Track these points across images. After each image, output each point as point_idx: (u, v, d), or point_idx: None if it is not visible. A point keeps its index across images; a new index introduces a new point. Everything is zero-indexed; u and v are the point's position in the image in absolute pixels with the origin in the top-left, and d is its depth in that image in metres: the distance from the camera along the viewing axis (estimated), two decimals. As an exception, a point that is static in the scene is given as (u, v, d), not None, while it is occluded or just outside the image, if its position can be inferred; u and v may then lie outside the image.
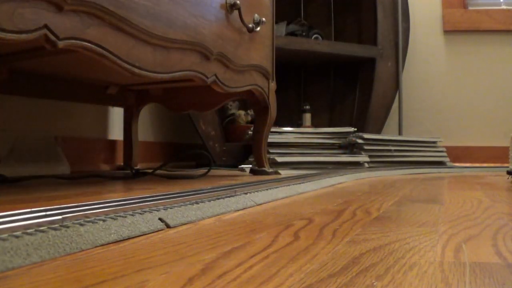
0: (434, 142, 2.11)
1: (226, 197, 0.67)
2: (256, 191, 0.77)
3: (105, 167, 1.58)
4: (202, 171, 1.37)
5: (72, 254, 0.37)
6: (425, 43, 2.58)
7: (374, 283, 0.29)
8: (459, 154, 2.44)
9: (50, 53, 0.91)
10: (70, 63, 1.08)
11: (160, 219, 0.50)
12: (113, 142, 1.65)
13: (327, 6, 2.48)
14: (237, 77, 1.20)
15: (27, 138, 1.23)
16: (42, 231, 0.37)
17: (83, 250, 0.39)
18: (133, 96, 1.56)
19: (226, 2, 1.11)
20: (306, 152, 1.78)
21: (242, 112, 2.04)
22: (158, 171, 1.30)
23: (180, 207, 0.55)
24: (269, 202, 0.75)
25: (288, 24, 2.17)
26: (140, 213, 0.49)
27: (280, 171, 1.46)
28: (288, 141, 1.78)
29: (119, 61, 0.81)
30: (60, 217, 0.42)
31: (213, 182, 1.02)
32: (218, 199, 0.65)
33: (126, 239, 0.44)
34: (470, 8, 2.55)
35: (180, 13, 0.95)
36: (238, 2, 1.12)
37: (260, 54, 1.29)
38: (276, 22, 1.62)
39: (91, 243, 0.40)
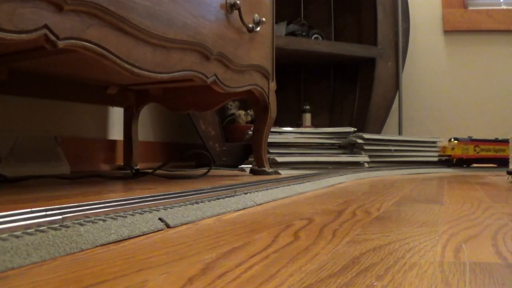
0: (434, 142, 2.11)
1: (226, 197, 0.67)
2: (256, 191, 0.77)
3: (105, 167, 1.58)
4: (202, 171, 1.37)
5: (72, 254, 0.37)
6: (425, 43, 2.58)
7: (374, 283, 0.29)
8: (459, 154, 2.44)
9: (50, 53, 0.91)
10: (70, 63, 1.09)
11: (160, 219, 0.50)
12: (113, 142, 1.65)
13: (327, 6, 2.48)
14: (237, 77, 1.20)
15: (27, 138, 1.23)
16: (42, 231, 0.37)
17: (83, 250, 0.39)
18: (133, 96, 1.56)
19: (226, 2, 1.11)
20: (306, 152, 1.78)
21: (242, 112, 2.04)
22: (158, 171, 1.30)
23: (180, 207, 0.55)
24: (269, 202, 0.75)
25: (288, 24, 2.17)
26: (140, 213, 0.49)
27: (280, 171, 1.46)
28: (288, 141, 1.78)
29: (119, 61, 0.81)
30: (60, 217, 0.42)
31: (213, 182, 1.02)
32: (218, 199, 0.65)
33: (126, 239, 0.44)
34: (470, 8, 2.55)
35: (180, 13, 0.95)
36: (238, 2, 1.12)
37: (260, 54, 1.29)
38: (276, 22, 1.62)
39: (91, 243, 0.40)
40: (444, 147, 1.98)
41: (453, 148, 1.94)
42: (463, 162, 1.94)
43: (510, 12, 2.48)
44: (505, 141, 2.03)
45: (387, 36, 2.29)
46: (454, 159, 1.93)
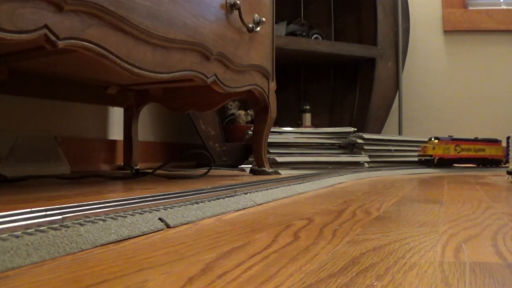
0: (434, 142, 2.11)
1: (226, 197, 0.67)
2: (256, 191, 0.77)
3: (105, 167, 1.58)
4: (202, 171, 1.37)
5: (72, 254, 0.37)
6: (425, 43, 2.58)
7: (374, 283, 0.29)
8: (459, 154, 2.44)
9: (50, 53, 0.91)
10: (70, 63, 1.09)
11: (160, 219, 0.50)
12: (113, 142, 1.65)
13: (327, 6, 2.48)
14: (237, 77, 1.20)
15: (27, 138, 1.23)
16: (42, 231, 0.37)
17: (83, 250, 0.39)
18: (133, 96, 1.56)
19: (226, 2, 1.11)
20: (306, 152, 1.78)
21: (242, 112, 2.04)
22: (158, 171, 1.30)
23: (180, 207, 0.55)
24: (269, 202, 0.75)
25: (288, 24, 2.17)
26: (140, 213, 0.49)
27: (280, 171, 1.46)
28: (288, 141, 1.78)
29: (119, 61, 0.81)
30: (60, 217, 0.42)
31: (213, 182, 1.02)
32: (218, 199, 0.65)
33: (126, 239, 0.44)
34: (470, 8, 2.55)
35: (180, 13, 0.95)
36: (238, 2, 1.12)
37: (260, 54, 1.29)
38: (276, 22, 1.62)
39: (91, 243, 0.40)
40: (425, 147, 1.90)
41: (434, 148, 1.86)
42: (444, 162, 1.88)
43: (510, 12, 2.48)
44: (485, 141, 1.99)
45: (387, 36, 2.29)
46: (436, 159, 1.86)
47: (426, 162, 1.88)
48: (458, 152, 1.91)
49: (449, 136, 1.94)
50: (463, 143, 1.93)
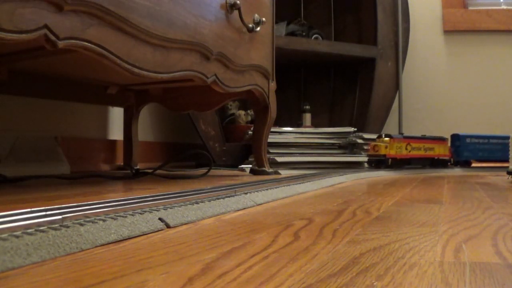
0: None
1: (226, 197, 0.67)
2: (256, 191, 0.77)
3: (105, 167, 1.58)
4: (202, 171, 1.37)
5: (72, 254, 0.37)
6: (425, 43, 2.58)
7: (374, 283, 0.29)
8: (459, 154, 2.44)
9: (50, 53, 0.91)
10: (70, 63, 1.09)
11: (160, 219, 0.50)
12: (113, 142, 1.65)
13: (327, 6, 2.48)
14: (237, 77, 1.20)
15: (27, 138, 1.23)
16: (42, 231, 0.37)
17: (83, 250, 0.39)
18: (133, 96, 1.56)
19: (226, 2, 1.11)
20: (306, 152, 1.78)
21: (242, 112, 2.04)
22: (158, 171, 1.30)
23: (180, 207, 0.55)
24: (269, 202, 0.75)
25: (288, 24, 2.17)
26: (140, 213, 0.49)
27: (280, 171, 1.46)
28: (288, 141, 1.78)
29: (119, 61, 0.81)
30: (60, 217, 0.42)
31: (213, 182, 1.02)
32: (218, 199, 0.65)
33: (126, 239, 0.44)
34: (470, 8, 2.55)
35: (180, 13, 0.95)
36: (238, 2, 1.12)
37: (260, 54, 1.29)
38: (276, 22, 1.62)
39: (91, 243, 0.40)
40: (375, 146, 1.69)
41: (386, 147, 1.67)
42: (396, 163, 1.71)
43: (510, 12, 2.48)
44: (433, 139, 1.87)
45: (387, 36, 2.29)
46: (389, 160, 1.67)
47: (378, 163, 1.71)
48: (409, 152, 1.75)
49: (400, 133, 1.78)
50: (413, 141, 1.78)
